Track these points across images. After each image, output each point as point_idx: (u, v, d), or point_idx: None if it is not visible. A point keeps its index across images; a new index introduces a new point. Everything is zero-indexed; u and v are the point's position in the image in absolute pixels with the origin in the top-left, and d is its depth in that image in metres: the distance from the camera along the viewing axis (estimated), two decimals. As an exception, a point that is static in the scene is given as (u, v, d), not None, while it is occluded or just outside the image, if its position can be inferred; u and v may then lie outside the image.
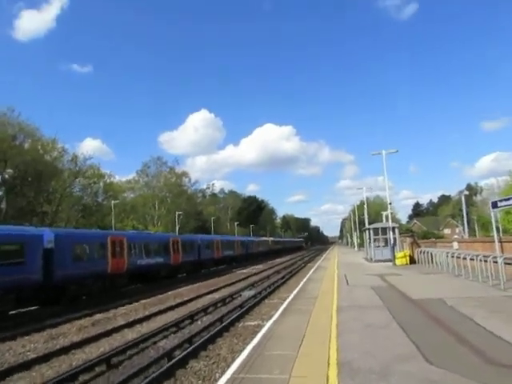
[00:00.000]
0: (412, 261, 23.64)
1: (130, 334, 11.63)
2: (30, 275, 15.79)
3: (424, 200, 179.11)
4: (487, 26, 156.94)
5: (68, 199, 50.05)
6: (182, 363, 8.40)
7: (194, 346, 9.48)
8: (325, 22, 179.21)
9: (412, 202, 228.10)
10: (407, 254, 23.99)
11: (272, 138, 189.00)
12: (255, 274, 32.67)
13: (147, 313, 15.23)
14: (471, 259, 14.33)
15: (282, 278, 26.22)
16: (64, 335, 11.96)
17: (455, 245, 20.14)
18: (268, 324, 9.07)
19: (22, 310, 16.52)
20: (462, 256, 15.45)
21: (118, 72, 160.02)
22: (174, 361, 8.40)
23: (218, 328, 11.52)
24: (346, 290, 13.99)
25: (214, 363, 8.51)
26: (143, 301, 18.68)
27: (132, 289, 23.88)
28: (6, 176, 43.45)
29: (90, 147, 75.72)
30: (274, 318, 9.78)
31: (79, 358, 9.33)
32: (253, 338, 8.15)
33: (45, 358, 9.16)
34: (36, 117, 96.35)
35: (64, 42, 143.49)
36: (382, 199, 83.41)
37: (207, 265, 39.26)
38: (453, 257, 16.92)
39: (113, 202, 48.23)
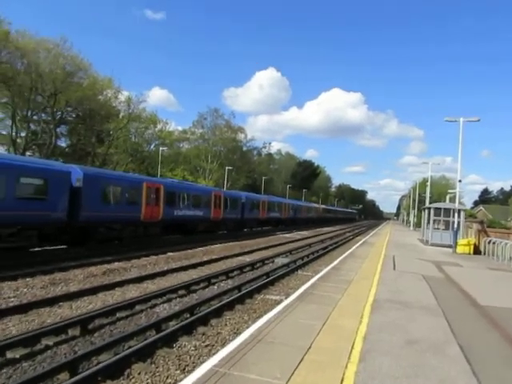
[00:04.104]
0: (476, 251, 20.45)
1: (133, 292, 10.31)
2: (53, 213, 15.04)
3: (493, 187, 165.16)
4: None
5: (120, 142, 49.35)
6: (170, 340, 6.80)
7: (192, 319, 7.89)
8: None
9: (479, 187, 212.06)
10: (472, 242, 20.76)
11: (338, 103, 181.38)
12: (298, 240, 30.95)
13: (166, 268, 14.03)
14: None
15: (325, 248, 24.22)
16: (66, 282, 10.91)
17: (536, 239, 16.78)
18: (264, 319, 6.63)
19: (48, 248, 16.09)
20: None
21: (189, 23, 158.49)
22: (159, 335, 6.83)
23: (231, 297, 9.90)
24: (391, 276, 11.61)
25: (206, 346, 6.83)
26: (170, 253, 17.61)
27: (166, 239, 23.09)
28: (68, 117, 43.40)
29: (157, 96, 75.34)
30: (280, 307, 7.41)
31: (60, 313, 8.06)
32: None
33: (23, 309, 7.99)
34: (102, 61, 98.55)
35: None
36: (448, 180, 77.37)
37: (250, 224, 38.09)
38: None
39: (161, 148, 47.33)
